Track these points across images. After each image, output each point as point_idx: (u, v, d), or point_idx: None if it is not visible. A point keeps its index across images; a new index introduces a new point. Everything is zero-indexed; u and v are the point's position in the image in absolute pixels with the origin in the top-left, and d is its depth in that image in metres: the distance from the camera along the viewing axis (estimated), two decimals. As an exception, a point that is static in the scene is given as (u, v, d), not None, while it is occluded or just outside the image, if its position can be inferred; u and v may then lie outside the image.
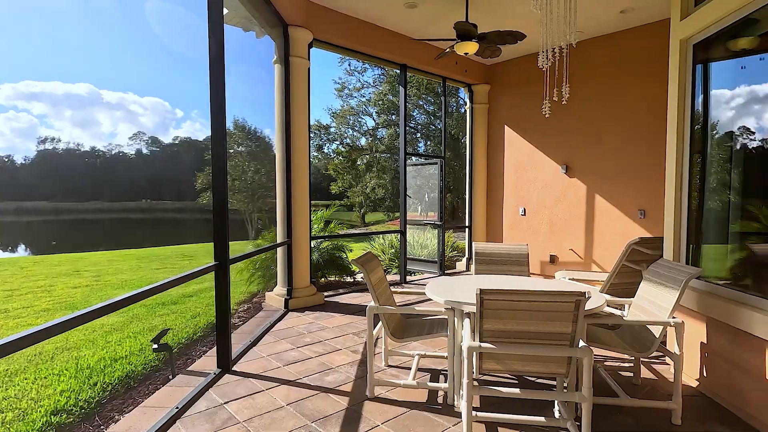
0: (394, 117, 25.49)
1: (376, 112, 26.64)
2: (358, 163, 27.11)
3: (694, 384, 3.11)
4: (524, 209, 7.18)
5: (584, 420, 2.17)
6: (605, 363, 3.53)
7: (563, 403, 2.59)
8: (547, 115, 3.30)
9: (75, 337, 4.95)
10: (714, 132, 3.31)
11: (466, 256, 8.00)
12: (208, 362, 3.56)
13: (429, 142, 26.13)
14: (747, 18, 2.79)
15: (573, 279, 4.78)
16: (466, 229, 7.95)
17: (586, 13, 5.24)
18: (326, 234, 6.89)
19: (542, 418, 2.46)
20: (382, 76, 25.81)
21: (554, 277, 5.26)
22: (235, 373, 3.32)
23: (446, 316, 3.06)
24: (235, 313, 5.39)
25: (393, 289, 3.48)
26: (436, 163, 7.72)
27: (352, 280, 6.90)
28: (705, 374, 3.00)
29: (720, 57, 3.20)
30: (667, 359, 3.55)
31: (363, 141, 27.46)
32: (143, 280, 8.89)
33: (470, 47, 4.56)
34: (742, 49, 3.12)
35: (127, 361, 4.23)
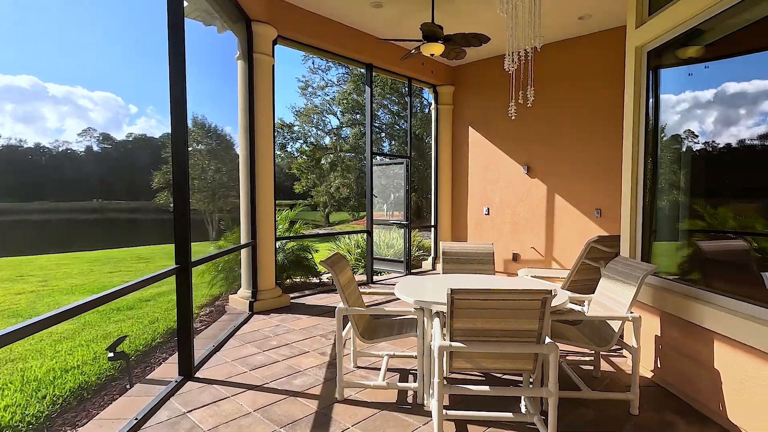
0: (358, 116, 25.43)
1: (340, 111, 26.49)
2: (323, 162, 26.86)
3: (649, 375, 3.28)
4: (488, 209, 7.34)
5: (551, 414, 2.23)
6: (567, 357, 3.66)
7: (529, 399, 2.66)
8: (513, 117, 3.37)
9: (20, 348, 4.62)
10: (662, 135, 3.49)
11: (432, 255, 8.09)
12: (169, 369, 3.41)
13: (393, 142, 26.24)
14: (695, 29, 2.96)
15: (535, 276, 4.93)
16: (432, 229, 8.03)
17: (546, 19, 5.40)
18: (292, 234, 6.78)
19: (510, 414, 2.52)
20: (346, 75, 25.68)
21: (517, 274, 5.40)
22: (199, 379, 3.20)
23: (416, 316, 3.08)
24: (197, 317, 5.21)
25: (360, 289, 3.46)
26: (403, 163, 7.76)
27: (318, 281, 6.83)
28: (659, 365, 3.16)
29: (671, 64, 3.38)
30: (624, 352, 3.72)
31: (327, 140, 27.24)
32: (96, 284, 8.42)
33: (436, 48, 4.60)
34: (690, 57, 3.31)
35: (79, 371, 3.99)
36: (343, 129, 26.76)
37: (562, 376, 3.16)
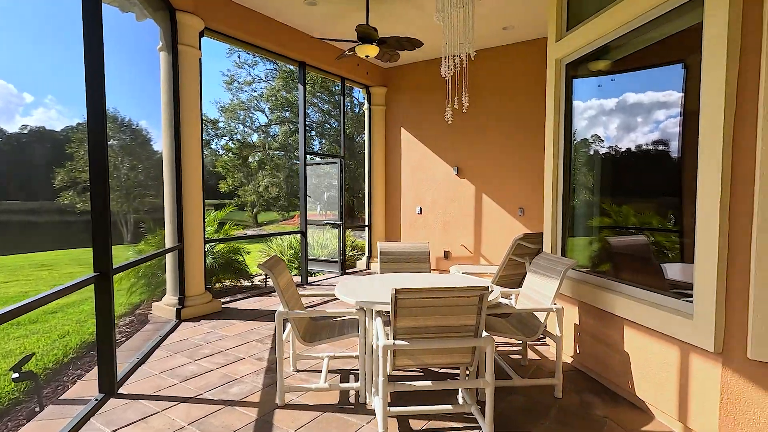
0: (288, 114, 24.83)
1: (268, 108, 25.68)
2: (250, 160, 25.87)
3: (570, 360, 3.59)
4: (420, 208, 7.56)
5: (488, 403, 2.36)
6: (498, 348, 3.89)
7: (466, 390, 2.79)
8: (449, 122, 3.51)
9: None
10: (575, 139, 3.84)
11: (367, 254, 8.15)
12: (87, 387, 3.11)
13: (324, 141, 25.96)
14: (605, 45, 3.29)
15: (466, 273, 5.17)
16: (366, 228, 8.10)
17: (474, 26, 5.67)
18: (222, 236, 6.48)
19: (449, 406, 2.63)
20: (274, 71, 24.92)
21: (449, 271, 5.63)
22: (123, 396, 2.96)
23: (357, 317, 3.10)
24: (116, 327, 4.78)
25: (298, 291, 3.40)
26: (336, 163, 7.73)
27: (251, 283, 6.60)
28: (578, 351, 3.48)
29: (585, 75, 3.72)
30: (548, 340, 4.03)
31: (255, 137, 26.28)
32: (-13, 296, 7.41)
33: (371, 50, 4.65)
34: (600, 70, 3.67)
35: (-28, 396, 3.50)
36: (272, 126, 25.98)
37: (494, 367, 3.35)
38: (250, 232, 23.06)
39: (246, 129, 26.18)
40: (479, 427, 2.56)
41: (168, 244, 4.76)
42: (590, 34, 3.31)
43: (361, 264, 8.16)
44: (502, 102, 6.61)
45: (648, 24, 2.84)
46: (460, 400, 2.86)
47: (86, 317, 5.76)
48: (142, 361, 3.53)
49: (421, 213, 7.56)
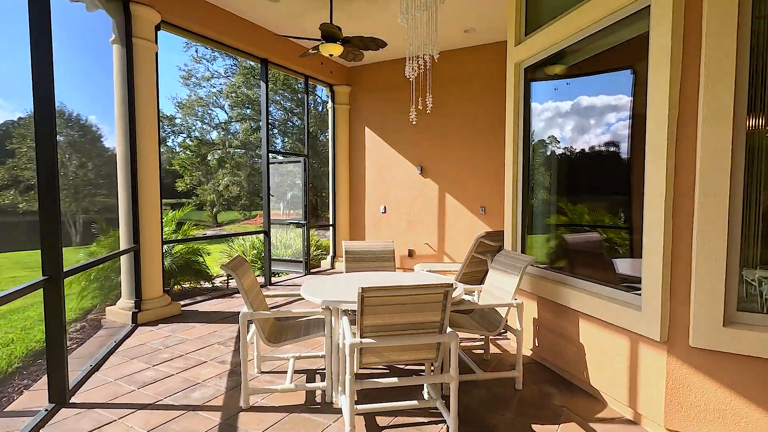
0: (248, 111, 24.25)
1: (228, 105, 24.99)
2: (209, 158, 25.08)
3: (529, 353, 3.73)
4: (385, 207, 7.60)
5: (452, 397, 2.42)
6: (461, 344, 3.98)
7: (431, 385, 2.85)
8: (414, 123, 3.56)
9: None
10: (533, 140, 3.99)
11: (331, 254, 8.12)
12: (35, 397, 2.94)
13: (287, 139, 25.55)
14: (561, 51, 3.44)
15: (430, 271, 5.25)
16: (331, 228, 8.06)
17: (437, 28, 5.77)
18: (181, 237, 6.27)
19: (415, 402, 2.67)
20: (234, 67, 24.28)
21: (414, 270, 5.70)
22: (75, 405, 2.82)
23: (323, 316, 3.09)
24: (67, 334, 4.53)
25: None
26: (300, 161, 7.65)
27: (211, 285, 6.43)
28: (537, 344, 3.62)
29: (543, 78, 3.87)
30: (509, 334, 4.17)
31: (214, 135, 25.50)
32: None
33: (335, 49, 4.63)
34: (556, 74, 3.83)
35: None
36: (232, 124, 25.31)
37: (458, 361, 3.43)
38: (210, 232, 22.39)
39: (205, 126, 25.38)
40: (444, 421, 2.63)
41: (123, 246, 4.56)
42: (547, 40, 3.44)
43: (325, 263, 8.11)
44: (465, 103, 6.76)
45: (600, 32, 3.00)
46: (426, 396, 2.91)
47: (32, 324, 5.42)
48: (95, 369, 3.38)
49: (385, 212, 7.60)
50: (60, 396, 2.80)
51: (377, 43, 4.71)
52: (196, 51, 23.73)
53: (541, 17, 3.65)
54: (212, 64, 24.87)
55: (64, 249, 2.84)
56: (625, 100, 3.16)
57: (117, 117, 4.50)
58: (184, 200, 23.86)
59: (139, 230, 4.53)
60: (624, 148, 3.20)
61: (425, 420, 2.66)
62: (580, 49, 3.34)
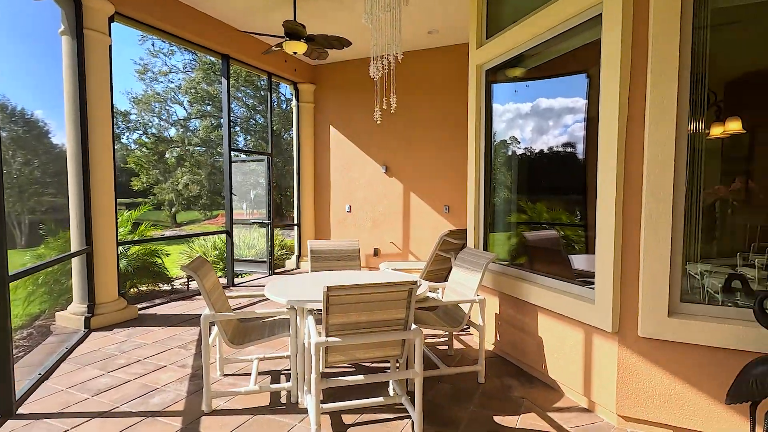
0: (209, 107, 23.56)
1: (187, 101, 24.17)
2: (167, 156, 24.18)
3: (491, 347, 3.84)
4: (350, 206, 7.60)
5: (417, 392, 2.46)
6: (426, 340, 4.04)
7: (396, 382, 2.89)
8: (378, 122, 3.59)
9: None
10: (494, 140, 4.11)
11: (296, 253, 8.03)
12: (-24, 411, 2.76)
13: (249, 137, 24.99)
14: (521, 54, 3.55)
15: (396, 269, 5.30)
16: (295, 227, 7.97)
17: (401, 29, 5.82)
18: (137, 238, 6.03)
19: (380, 399, 2.70)
20: (193, 62, 23.51)
21: (379, 268, 5.73)
22: (23, 416, 2.66)
23: (288, 316, 3.06)
24: (12, 341, 4.26)
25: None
26: (263, 160, 7.52)
27: (171, 287, 6.22)
28: (498, 338, 3.73)
29: (503, 80, 3.99)
30: (472, 330, 4.27)
31: (173, 132, 24.61)
32: None
33: (299, 47, 4.59)
34: (516, 77, 3.96)
35: None
36: (192, 121, 24.51)
37: (423, 357, 3.49)
38: (168, 232, 21.60)
39: (162, 123, 24.45)
40: (409, 416, 2.67)
41: (74, 247, 4.34)
42: (507, 44, 3.55)
43: (290, 263, 8.02)
44: (429, 103, 6.85)
45: (556, 37, 3.12)
46: (391, 392, 2.94)
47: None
48: (45, 377, 3.20)
49: (350, 211, 7.60)
50: (6, 406, 2.64)
51: (342, 42, 4.70)
52: (153, 44, 22.83)
53: (501, 21, 3.76)
54: (170, 59, 23.97)
55: (8, 252, 2.67)
56: (581, 102, 3.30)
57: (67, 112, 4.27)
58: (140, 200, 22.88)
59: (92, 231, 4.33)
60: (580, 149, 3.35)
61: (391, 416, 2.69)
62: (538, 53, 3.47)
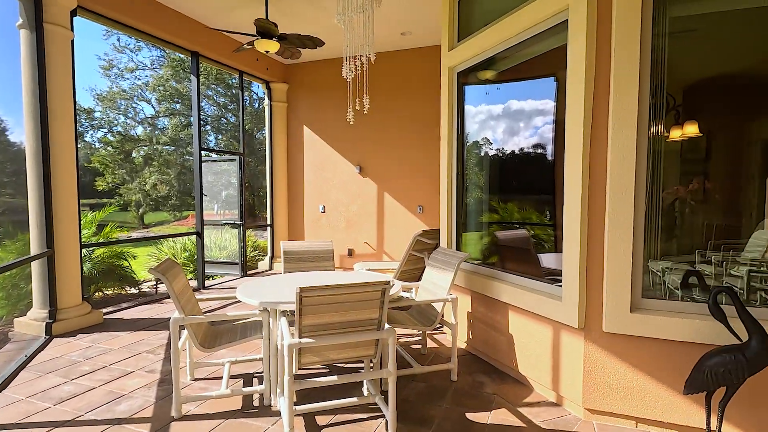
0: (178, 106, 22.96)
1: (155, 99, 23.49)
2: (134, 155, 23.43)
3: (464, 345, 3.90)
4: (324, 207, 7.56)
5: (390, 392, 2.48)
6: (400, 340, 4.07)
7: (370, 382, 2.90)
8: (351, 123, 3.59)
9: None
10: (467, 141, 4.18)
11: (269, 255, 7.93)
12: (-74, 424, 2.61)
13: (220, 136, 24.47)
14: (492, 57, 3.62)
15: (370, 269, 5.31)
16: (268, 228, 7.87)
17: (374, 30, 5.83)
18: (103, 240, 5.82)
19: (354, 399, 2.71)
20: (162, 59, 22.86)
21: (353, 269, 5.73)
22: (-22, 428, 2.54)
23: (260, 318, 3.03)
24: (-36, 351, 4.06)
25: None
26: (235, 160, 7.39)
27: (138, 290, 6.04)
28: (471, 336, 3.79)
29: (475, 83, 4.06)
30: (445, 329, 4.33)
31: (140, 130, 23.87)
32: None
33: (272, 46, 4.54)
34: (487, 79, 4.04)
35: None
36: (160, 119, 23.83)
37: (397, 357, 3.52)
38: (135, 234, 20.93)
39: (129, 120, 23.67)
40: (383, 415, 2.68)
41: (34, 250, 4.16)
42: (478, 47, 3.61)
43: (263, 265, 7.91)
44: (403, 103, 6.89)
45: (525, 41, 3.20)
46: (365, 392, 2.95)
47: None
48: (3, 386, 3.06)
49: (324, 211, 7.56)
50: (-42, 419, 2.51)
51: (315, 42, 4.68)
52: (118, 39, 22.09)
53: (472, 25, 3.83)
54: (137, 55, 23.29)
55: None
56: (550, 105, 3.40)
57: (26, 109, 4.09)
58: (105, 200, 22.11)
59: (54, 233, 4.16)
60: (550, 150, 3.45)
61: (365, 416, 2.70)
62: (509, 56, 3.55)
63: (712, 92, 4.50)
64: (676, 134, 3.79)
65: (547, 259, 3.50)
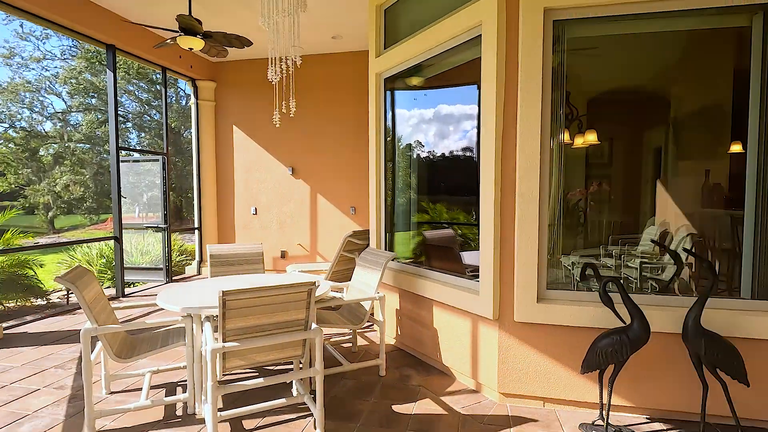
0: (94, 101, 21.20)
1: (67, 92, 21.50)
2: (42, 153, 21.28)
3: (393, 342, 4.03)
4: (255, 209, 7.40)
5: (318, 390, 2.53)
6: (331, 339, 4.12)
7: (300, 381, 2.92)
8: (277, 125, 3.58)
9: None
10: (399, 144, 4.33)
11: (197, 259, 7.61)
12: None
13: (143, 134, 22.93)
14: (418, 64, 3.79)
15: (302, 271, 5.30)
16: (196, 231, 7.55)
17: (305, 32, 5.83)
18: (3, 247, 5.28)
19: (283, 400, 2.71)
20: (74, 49, 20.99)
21: (286, 271, 5.68)
22: None
23: (183, 325, 2.94)
24: None
25: (112, 304, 3.05)
26: (158, 160, 7.02)
27: (46, 302, 5.54)
28: (399, 332, 3.93)
29: (402, 88, 4.21)
30: (375, 326, 4.44)
31: (48, 126, 21.71)
32: None
33: (195, 43, 4.39)
34: (415, 85, 4.21)
35: None
36: (73, 114, 21.85)
37: (327, 356, 3.57)
38: (44, 240, 19.06)
39: (35, 115, 21.46)
40: (312, 414, 2.72)
41: None
42: (403, 55, 3.76)
43: (191, 270, 7.57)
44: (334, 105, 6.94)
45: (448, 51, 3.39)
46: (295, 392, 2.97)
47: None
48: None
49: (256, 213, 7.40)
50: None
51: (242, 41, 4.59)
52: (21, 26, 19.98)
53: (398, 33, 3.98)
54: (44, 43, 21.19)
55: None
56: (475, 111, 3.62)
57: None
58: (6, 203, 19.88)
59: (-59, 241, 3.73)
60: (475, 153, 3.67)
61: (294, 416, 2.73)
62: (434, 64, 3.73)
63: (612, 104, 5.05)
64: (579, 141, 4.21)
65: (470, 257, 3.72)
